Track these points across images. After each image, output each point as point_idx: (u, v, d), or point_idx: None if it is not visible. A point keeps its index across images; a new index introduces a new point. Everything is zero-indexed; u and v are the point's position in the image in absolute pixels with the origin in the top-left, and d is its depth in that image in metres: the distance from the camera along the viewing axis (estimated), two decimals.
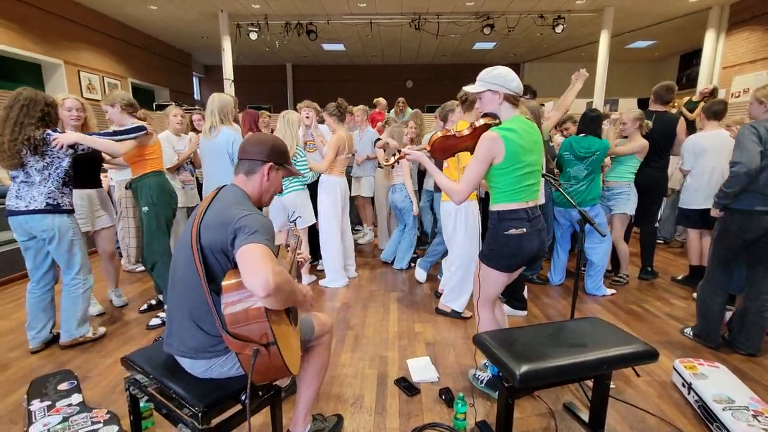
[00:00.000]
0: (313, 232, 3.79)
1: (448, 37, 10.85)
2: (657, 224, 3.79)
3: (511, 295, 2.99)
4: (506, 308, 3.01)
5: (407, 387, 2.11)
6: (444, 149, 1.99)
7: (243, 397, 1.29)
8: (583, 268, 3.49)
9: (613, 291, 3.45)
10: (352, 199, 4.82)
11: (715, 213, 2.50)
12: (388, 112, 6.75)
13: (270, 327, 1.18)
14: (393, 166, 2.09)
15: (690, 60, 12.13)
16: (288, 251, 1.76)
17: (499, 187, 1.80)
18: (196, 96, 14.98)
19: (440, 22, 9.60)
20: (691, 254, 3.65)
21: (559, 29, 9.29)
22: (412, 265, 4.12)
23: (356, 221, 5.42)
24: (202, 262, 1.25)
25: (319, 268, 3.77)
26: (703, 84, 8.61)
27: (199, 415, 1.24)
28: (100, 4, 8.68)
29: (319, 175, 3.59)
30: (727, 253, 2.45)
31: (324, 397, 2.04)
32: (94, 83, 8.98)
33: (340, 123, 3.51)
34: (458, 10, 9.19)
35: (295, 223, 2.04)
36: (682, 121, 3.54)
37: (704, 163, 3.35)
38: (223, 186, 1.45)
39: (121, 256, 4.04)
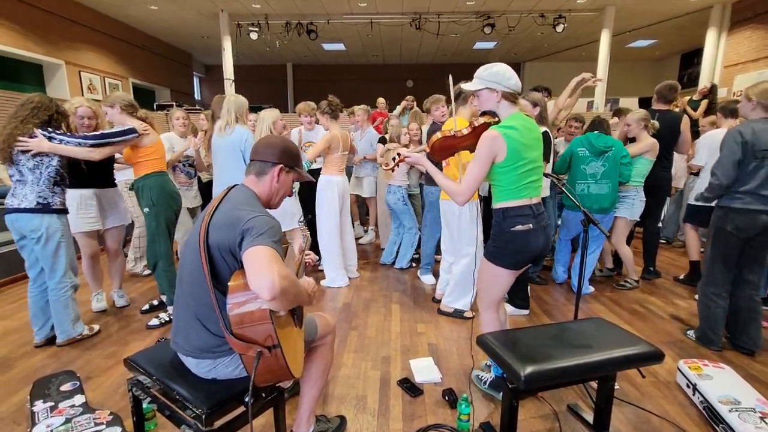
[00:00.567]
0: (313, 232, 3.78)
1: (448, 37, 10.85)
2: (660, 224, 3.77)
3: (515, 294, 2.98)
4: (509, 307, 3.01)
5: (410, 388, 2.10)
6: (444, 149, 1.98)
7: (246, 399, 1.28)
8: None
9: (593, 288, 3.49)
10: (354, 198, 4.82)
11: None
12: (390, 111, 6.74)
13: (274, 329, 1.18)
14: (393, 170, 2.08)
15: (691, 59, 12.12)
16: (296, 251, 1.76)
17: (502, 185, 1.79)
18: (197, 96, 14.99)
19: (441, 21, 9.60)
20: (691, 250, 3.65)
21: (559, 28, 9.29)
22: (413, 264, 4.13)
23: (362, 221, 5.43)
24: (209, 262, 1.24)
25: (319, 268, 3.76)
26: (704, 83, 8.60)
27: (203, 416, 1.23)
28: (101, 4, 8.69)
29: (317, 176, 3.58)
30: (724, 252, 2.44)
31: (327, 398, 2.03)
32: (95, 83, 8.99)
33: (334, 121, 3.48)
34: (459, 10, 9.19)
35: (305, 223, 2.03)
36: (686, 119, 3.53)
37: None
38: (234, 186, 1.45)
39: (125, 255, 4.03)
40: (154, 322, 2.83)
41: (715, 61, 8.87)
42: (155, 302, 3.08)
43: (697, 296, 2.66)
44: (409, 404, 2.00)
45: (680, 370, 2.14)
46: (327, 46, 12.27)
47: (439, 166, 2.35)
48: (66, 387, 1.94)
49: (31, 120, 2.32)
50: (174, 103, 8.78)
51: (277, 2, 8.67)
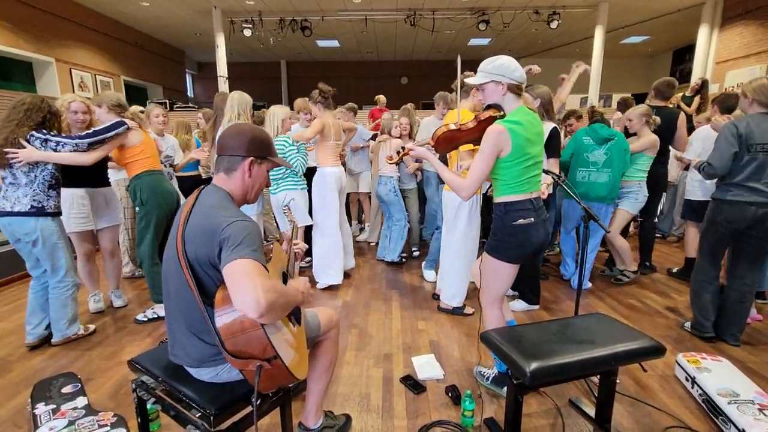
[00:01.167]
0: (308, 228, 3.66)
1: (443, 33, 10.83)
2: (656, 219, 3.81)
3: (527, 289, 3.02)
4: (521, 303, 3.05)
5: (413, 385, 2.11)
6: (448, 142, 1.98)
7: (253, 399, 1.28)
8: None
9: (590, 284, 3.55)
10: (348, 195, 4.80)
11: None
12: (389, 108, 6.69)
13: (269, 339, 1.14)
14: (397, 164, 2.07)
15: (683, 55, 12.21)
16: (283, 245, 1.67)
17: (504, 179, 1.79)
18: (189, 93, 14.84)
19: (435, 18, 9.58)
20: (689, 247, 3.69)
21: (554, 25, 9.31)
22: (404, 258, 4.13)
23: (358, 219, 5.42)
24: (192, 276, 1.18)
25: (305, 264, 3.69)
26: (696, 79, 8.67)
27: (211, 417, 1.22)
28: (92, 1, 8.56)
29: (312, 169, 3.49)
30: (715, 243, 2.51)
31: (331, 396, 2.04)
32: (87, 81, 8.87)
33: (327, 109, 3.34)
34: (453, 6, 9.17)
35: (289, 208, 1.96)
36: (682, 115, 3.56)
37: None
38: (203, 187, 1.35)
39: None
40: (141, 317, 2.87)
41: (707, 57, 8.94)
42: (150, 315, 2.93)
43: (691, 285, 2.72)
44: (413, 401, 2.01)
45: (679, 364, 2.17)
46: (321, 43, 12.20)
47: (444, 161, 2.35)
48: (67, 389, 1.93)
49: (26, 122, 2.29)
50: (154, 101, 8.64)
51: None
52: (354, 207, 5.29)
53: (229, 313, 1.15)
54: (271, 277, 1.15)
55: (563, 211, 3.57)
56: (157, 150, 3.02)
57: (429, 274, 3.67)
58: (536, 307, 3.05)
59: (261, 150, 1.36)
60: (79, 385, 1.98)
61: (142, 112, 4.03)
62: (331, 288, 3.51)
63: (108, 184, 3.07)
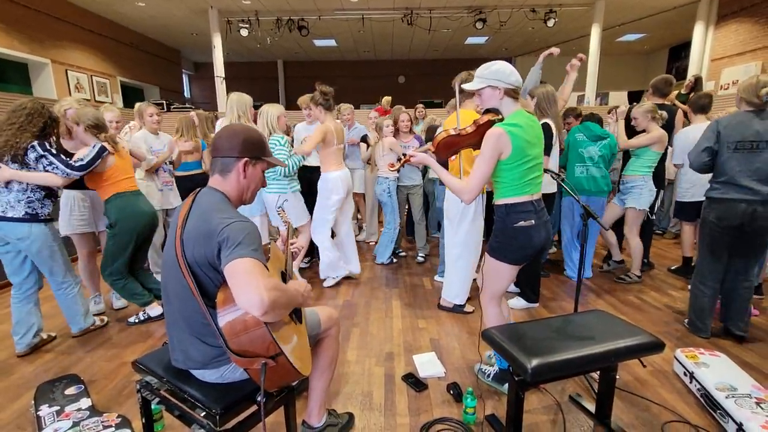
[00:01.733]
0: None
1: (440, 32, 10.83)
2: (653, 216, 3.84)
3: (527, 288, 3.04)
4: (521, 301, 3.06)
5: (415, 383, 2.13)
6: (448, 147, 2.00)
7: (258, 397, 1.29)
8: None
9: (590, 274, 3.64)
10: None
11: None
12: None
13: (272, 337, 1.15)
14: (399, 171, 2.08)
15: (679, 53, 12.26)
16: (280, 246, 1.69)
17: (505, 181, 1.81)
18: (186, 94, 14.80)
19: (432, 16, 9.59)
20: (684, 246, 3.71)
21: (550, 23, 9.33)
22: (395, 260, 4.15)
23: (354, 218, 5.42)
24: (192, 278, 1.19)
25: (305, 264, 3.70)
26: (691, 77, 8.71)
27: (216, 416, 1.23)
28: (87, 1, 8.52)
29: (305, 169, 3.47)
30: (711, 242, 2.51)
31: (333, 395, 2.05)
32: (83, 82, 8.83)
33: (328, 112, 3.30)
34: (450, 5, 9.18)
35: (283, 209, 1.96)
36: (680, 113, 3.59)
37: None
38: (199, 190, 1.36)
39: None
40: (132, 319, 2.90)
41: (702, 54, 8.99)
42: (141, 317, 2.94)
43: (689, 286, 2.74)
44: (415, 399, 2.03)
45: (677, 359, 2.19)
46: (318, 42, 12.19)
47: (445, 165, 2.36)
48: (71, 391, 1.93)
49: (28, 128, 2.27)
50: (148, 101, 8.57)
51: None
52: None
53: (232, 313, 1.16)
54: (271, 276, 1.17)
55: (563, 207, 3.59)
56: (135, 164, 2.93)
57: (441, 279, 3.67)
58: (536, 305, 3.07)
59: (255, 150, 1.36)
60: (83, 386, 1.98)
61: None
62: (331, 287, 3.54)
63: None
